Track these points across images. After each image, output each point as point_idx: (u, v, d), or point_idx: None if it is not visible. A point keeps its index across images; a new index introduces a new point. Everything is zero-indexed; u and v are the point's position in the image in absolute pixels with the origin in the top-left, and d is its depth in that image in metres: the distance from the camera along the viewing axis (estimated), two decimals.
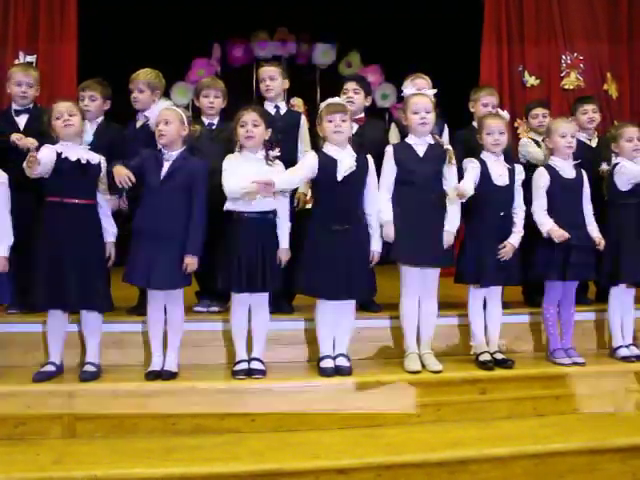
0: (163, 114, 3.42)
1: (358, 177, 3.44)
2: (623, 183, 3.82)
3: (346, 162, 3.40)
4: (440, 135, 4.02)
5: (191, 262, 3.31)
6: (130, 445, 3.04)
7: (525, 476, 3.03)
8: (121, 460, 2.89)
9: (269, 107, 3.97)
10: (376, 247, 3.47)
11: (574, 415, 3.51)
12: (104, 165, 3.44)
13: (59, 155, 3.32)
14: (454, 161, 3.56)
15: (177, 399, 3.23)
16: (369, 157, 3.52)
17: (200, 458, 2.93)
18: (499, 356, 3.62)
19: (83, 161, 3.35)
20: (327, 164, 3.40)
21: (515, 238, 3.63)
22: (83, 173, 3.35)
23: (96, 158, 3.43)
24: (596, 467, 3.09)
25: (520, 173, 3.74)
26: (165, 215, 3.31)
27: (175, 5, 6.80)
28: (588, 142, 4.42)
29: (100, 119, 3.99)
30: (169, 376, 3.32)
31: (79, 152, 3.37)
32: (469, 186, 3.50)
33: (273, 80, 4.00)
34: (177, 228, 3.32)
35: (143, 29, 6.81)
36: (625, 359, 3.79)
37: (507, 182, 3.64)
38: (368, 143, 3.81)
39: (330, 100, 3.53)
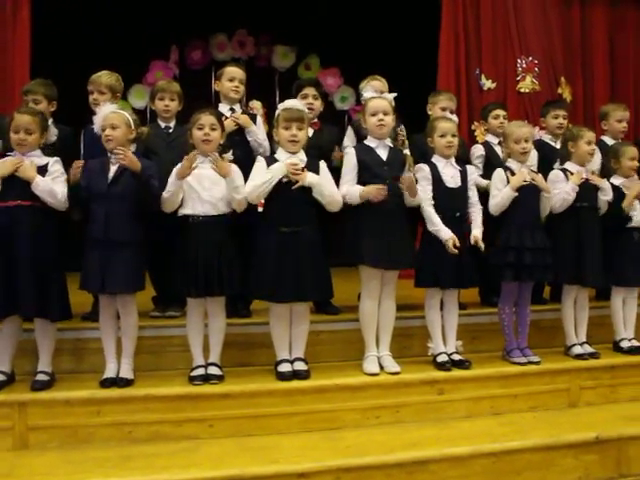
0: (109, 118, 3.36)
1: None
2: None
3: (289, 163, 3.37)
4: (395, 138, 4.05)
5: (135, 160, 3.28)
6: (85, 455, 2.98)
7: (483, 474, 3.06)
8: (76, 471, 2.83)
9: (224, 109, 3.97)
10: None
11: (530, 413, 3.58)
12: (55, 166, 3.34)
13: None
14: (412, 168, 3.60)
15: (133, 406, 3.18)
16: (322, 163, 3.50)
17: (158, 466, 2.88)
18: (456, 357, 3.66)
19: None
20: None
21: (478, 232, 3.67)
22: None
23: (43, 161, 3.34)
24: (551, 463, 3.15)
25: (472, 173, 3.79)
26: (115, 219, 3.25)
27: (133, 6, 6.72)
28: (553, 143, 4.52)
29: (49, 122, 3.91)
30: (125, 383, 3.27)
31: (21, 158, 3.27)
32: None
33: (242, 83, 4.00)
34: (127, 231, 3.27)
35: (100, 30, 6.71)
36: (579, 357, 3.87)
37: (459, 184, 3.67)
38: (324, 147, 3.84)
39: (288, 104, 3.49)
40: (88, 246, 3.30)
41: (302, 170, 3.36)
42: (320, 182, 3.39)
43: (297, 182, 3.34)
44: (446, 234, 3.57)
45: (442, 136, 3.67)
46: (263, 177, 3.34)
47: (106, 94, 3.87)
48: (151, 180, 3.32)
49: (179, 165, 3.36)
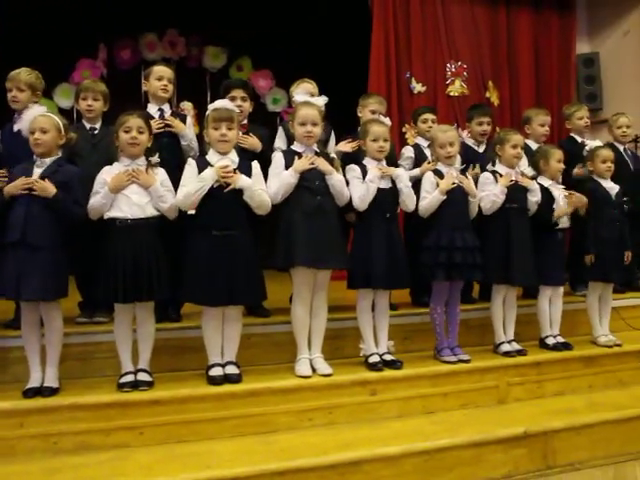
0: (39, 121, 3.25)
1: None
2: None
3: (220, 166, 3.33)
4: (327, 141, 4.06)
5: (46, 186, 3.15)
6: (6, 469, 2.84)
7: (415, 473, 3.09)
8: None
9: (152, 110, 3.89)
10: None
11: (461, 411, 3.63)
12: None
13: None
14: (340, 171, 3.61)
15: (59, 416, 3.07)
16: (254, 163, 3.48)
17: (85, 477, 2.79)
18: (388, 357, 3.68)
19: None
20: (204, 170, 3.34)
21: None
22: None
23: None
24: (481, 459, 3.20)
25: (401, 175, 3.80)
26: (34, 224, 3.14)
27: (60, 2, 6.52)
28: (475, 147, 4.62)
29: None
30: (50, 392, 3.16)
31: None
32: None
33: (171, 82, 3.93)
34: (47, 237, 3.16)
35: (24, 26, 6.49)
36: (507, 354, 3.97)
37: (390, 185, 3.69)
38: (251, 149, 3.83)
39: (218, 104, 3.45)
40: (5, 251, 3.16)
41: (234, 172, 3.33)
42: (251, 186, 3.36)
43: (229, 185, 3.30)
44: (370, 173, 3.60)
45: (374, 140, 3.69)
46: (195, 185, 3.29)
47: (25, 91, 3.75)
48: (67, 203, 3.21)
49: (107, 173, 3.28)
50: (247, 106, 4.04)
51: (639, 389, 4.03)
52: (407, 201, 3.72)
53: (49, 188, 3.16)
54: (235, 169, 3.35)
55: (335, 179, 3.53)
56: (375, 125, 3.74)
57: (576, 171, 4.76)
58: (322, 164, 3.52)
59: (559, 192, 4.20)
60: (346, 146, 4.06)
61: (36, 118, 3.27)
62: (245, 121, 4.04)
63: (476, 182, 4.00)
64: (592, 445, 3.41)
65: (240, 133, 3.77)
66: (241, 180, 3.33)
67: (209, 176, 3.30)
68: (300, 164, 3.48)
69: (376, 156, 3.71)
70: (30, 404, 3.09)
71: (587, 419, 3.49)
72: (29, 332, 3.25)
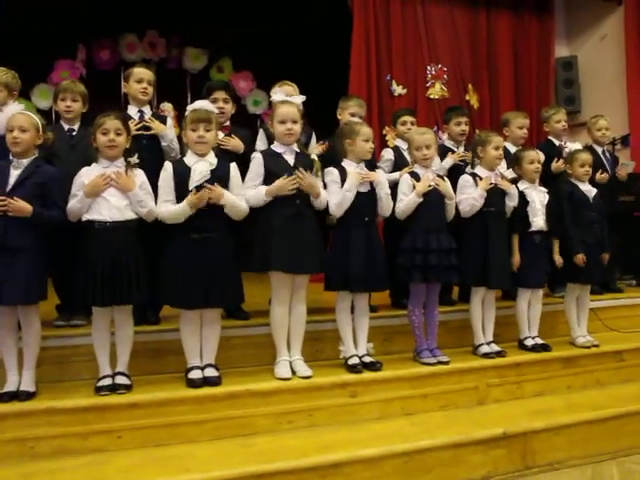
0: (18, 119, 3.21)
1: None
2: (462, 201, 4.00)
3: (198, 170, 3.32)
4: (308, 142, 4.06)
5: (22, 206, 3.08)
6: None
7: (395, 474, 3.09)
8: None
9: (132, 112, 3.87)
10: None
11: (440, 412, 3.64)
12: None
13: None
14: (320, 173, 3.60)
15: (35, 420, 3.03)
16: (233, 165, 3.46)
17: None
18: (367, 359, 3.68)
19: None
20: (181, 172, 3.33)
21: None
22: None
23: None
24: (460, 460, 3.21)
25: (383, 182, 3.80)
26: (14, 227, 3.09)
27: (38, 2, 6.46)
28: (455, 149, 4.65)
29: None
30: (26, 396, 3.12)
31: None
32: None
33: (150, 84, 3.91)
34: (27, 240, 3.12)
35: (2, 26, 6.41)
36: (486, 355, 3.98)
37: (369, 188, 3.68)
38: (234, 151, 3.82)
39: (197, 105, 3.43)
40: None
41: (213, 184, 3.29)
42: (234, 203, 3.35)
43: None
44: (349, 181, 3.58)
45: (366, 141, 3.68)
46: (171, 218, 3.29)
47: (2, 92, 3.71)
48: (46, 215, 3.17)
49: (86, 176, 3.25)
50: (229, 108, 4.03)
51: (616, 389, 4.08)
52: (384, 207, 3.73)
53: (24, 208, 3.10)
54: (214, 182, 3.32)
55: (320, 202, 3.54)
56: (364, 127, 3.74)
57: (554, 165, 4.82)
58: (310, 187, 3.49)
59: (537, 194, 4.22)
60: (317, 149, 4.06)
61: (15, 116, 3.23)
62: (227, 123, 4.02)
63: (454, 179, 4.01)
64: (570, 445, 3.43)
65: (222, 135, 3.75)
66: (225, 197, 3.32)
67: (183, 213, 3.28)
68: (277, 187, 3.43)
69: (367, 157, 3.72)
70: (6, 408, 3.05)
71: (566, 419, 3.52)
72: (6, 335, 3.20)
